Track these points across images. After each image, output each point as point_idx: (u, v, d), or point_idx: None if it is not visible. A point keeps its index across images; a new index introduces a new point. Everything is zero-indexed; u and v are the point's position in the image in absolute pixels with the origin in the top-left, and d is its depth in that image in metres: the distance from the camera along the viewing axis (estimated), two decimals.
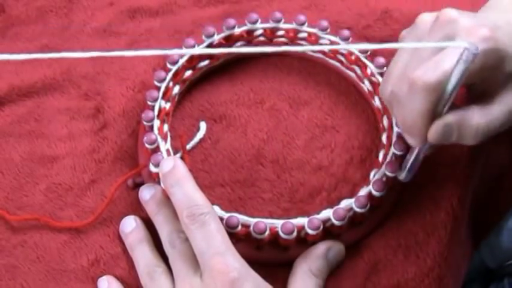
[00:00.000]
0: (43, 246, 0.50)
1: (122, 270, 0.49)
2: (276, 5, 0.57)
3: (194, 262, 0.45)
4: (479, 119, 0.45)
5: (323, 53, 0.56)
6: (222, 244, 0.44)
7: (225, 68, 0.57)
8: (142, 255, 0.48)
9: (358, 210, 0.48)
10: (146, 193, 0.49)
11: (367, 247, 0.50)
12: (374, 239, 0.51)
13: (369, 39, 0.57)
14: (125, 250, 0.50)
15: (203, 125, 0.54)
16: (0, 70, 0.57)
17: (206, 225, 0.45)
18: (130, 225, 0.49)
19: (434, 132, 0.44)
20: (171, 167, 0.47)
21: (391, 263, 0.50)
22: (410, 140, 0.47)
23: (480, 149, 0.55)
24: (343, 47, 0.56)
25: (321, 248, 0.48)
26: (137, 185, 0.51)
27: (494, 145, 0.58)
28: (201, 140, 0.54)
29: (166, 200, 0.48)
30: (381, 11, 0.59)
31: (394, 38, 0.54)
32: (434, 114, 0.44)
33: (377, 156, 0.52)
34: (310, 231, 0.47)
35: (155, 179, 0.50)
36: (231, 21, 0.55)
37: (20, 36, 0.59)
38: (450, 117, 0.44)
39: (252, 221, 0.47)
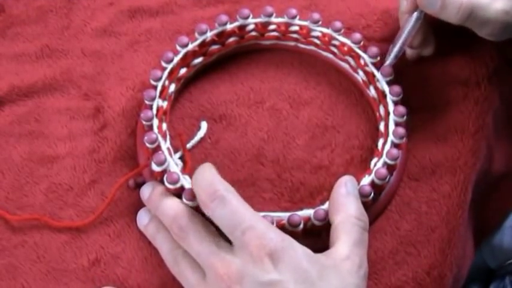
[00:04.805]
0: (43, 246, 0.50)
1: (123, 269, 0.49)
2: (277, 5, 0.57)
3: (211, 235, 0.45)
4: None
5: (315, 45, 0.57)
6: (251, 216, 0.44)
7: (224, 67, 0.57)
8: (164, 241, 0.48)
9: (362, 199, 0.48)
10: (145, 191, 0.49)
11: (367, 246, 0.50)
12: (374, 238, 0.51)
13: (368, 39, 0.57)
14: (125, 250, 0.50)
15: (204, 125, 0.54)
16: (0, 70, 0.57)
17: (227, 201, 0.44)
18: (146, 216, 0.49)
19: None
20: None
21: (391, 262, 0.50)
22: (404, 3, 0.52)
23: (481, 148, 0.55)
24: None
25: (340, 191, 0.47)
26: (138, 185, 0.51)
27: (496, 144, 0.58)
28: (202, 140, 0.54)
29: (166, 192, 0.48)
30: (380, 11, 0.59)
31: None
32: None
33: (376, 146, 0.52)
34: (316, 223, 0.47)
35: (157, 178, 0.50)
36: (223, 17, 0.55)
37: (20, 36, 0.59)
38: None
39: None
